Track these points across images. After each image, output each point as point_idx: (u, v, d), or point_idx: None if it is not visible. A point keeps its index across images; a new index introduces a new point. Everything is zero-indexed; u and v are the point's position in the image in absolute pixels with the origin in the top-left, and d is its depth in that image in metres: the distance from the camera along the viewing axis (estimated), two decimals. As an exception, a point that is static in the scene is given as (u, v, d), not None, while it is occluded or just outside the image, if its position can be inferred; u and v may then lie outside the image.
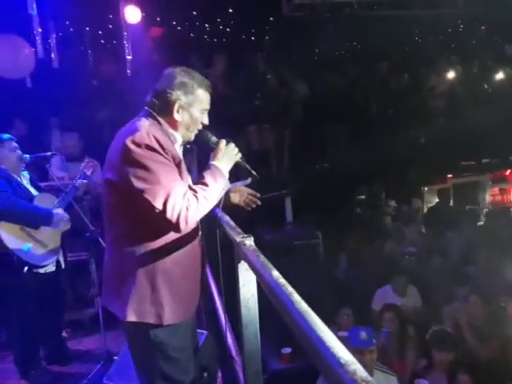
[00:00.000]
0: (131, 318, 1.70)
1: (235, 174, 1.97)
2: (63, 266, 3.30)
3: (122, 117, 5.65)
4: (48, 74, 5.15)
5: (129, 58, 4.63)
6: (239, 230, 1.80)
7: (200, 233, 1.88)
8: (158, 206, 1.58)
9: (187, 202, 1.60)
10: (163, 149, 1.63)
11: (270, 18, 6.74)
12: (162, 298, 1.70)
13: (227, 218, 2.02)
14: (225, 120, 4.34)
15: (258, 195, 2.11)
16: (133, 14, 5.25)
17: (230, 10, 6.39)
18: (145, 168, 1.59)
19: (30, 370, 3.16)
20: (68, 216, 3.22)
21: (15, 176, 3.12)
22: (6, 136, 3.17)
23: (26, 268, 2.94)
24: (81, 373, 3.25)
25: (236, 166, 1.86)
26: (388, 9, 6.44)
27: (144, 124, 1.70)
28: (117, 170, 1.66)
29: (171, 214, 1.57)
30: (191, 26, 6.62)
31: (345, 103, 6.53)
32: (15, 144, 3.17)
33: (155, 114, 1.76)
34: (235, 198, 2.08)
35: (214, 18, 6.64)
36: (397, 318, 3.68)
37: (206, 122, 1.84)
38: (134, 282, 1.70)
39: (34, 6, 3.66)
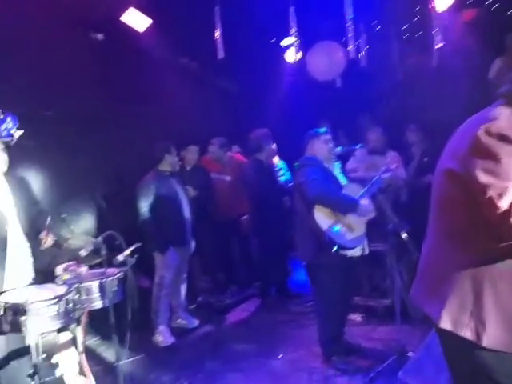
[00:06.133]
0: (445, 325, 1.53)
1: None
2: (366, 253, 3.46)
3: (424, 109, 5.46)
4: (355, 73, 5.49)
5: (438, 46, 4.41)
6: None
7: None
8: (502, 205, 1.37)
9: None
10: None
11: None
12: (484, 314, 1.48)
13: None
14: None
15: None
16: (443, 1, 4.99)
17: None
18: (496, 161, 1.39)
19: (332, 355, 3.36)
20: (372, 206, 3.34)
21: (327, 165, 3.45)
22: (321, 130, 3.55)
23: (334, 248, 3.19)
24: (373, 361, 3.31)
25: None
26: None
27: (504, 112, 1.48)
28: (462, 160, 1.50)
29: None
30: (508, 5, 5.78)
31: None
32: (329, 137, 3.52)
33: None
34: None
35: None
36: None
37: None
38: (456, 286, 1.52)
39: (351, 10, 3.96)
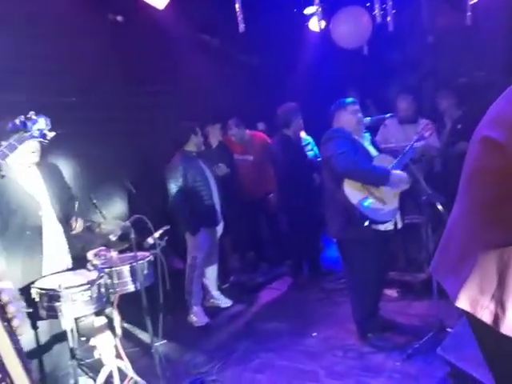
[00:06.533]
0: (462, 304, 1.41)
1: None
2: (399, 226, 3.34)
3: (457, 74, 5.16)
4: (383, 39, 5.23)
5: (472, 2, 4.08)
6: None
7: None
8: None
9: None
10: None
11: None
12: (506, 298, 1.34)
13: None
14: None
15: None
16: None
17: None
18: None
19: (368, 332, 3.29)
20: (406, 175, 3.20)
21: (356, 137, 3.32)
22: (348, 100, 3.39)
23: (366, 222, 3.08)
24: (410, 337, 3.24)
25: None
26: None
27: None
28: (507, 128, 1.37)
29: None
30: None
31: None
32: (357, 107, 3.36)
33: None
34: None
35: None
36: None
37: None
38: (479, 265, 1.39)
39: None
